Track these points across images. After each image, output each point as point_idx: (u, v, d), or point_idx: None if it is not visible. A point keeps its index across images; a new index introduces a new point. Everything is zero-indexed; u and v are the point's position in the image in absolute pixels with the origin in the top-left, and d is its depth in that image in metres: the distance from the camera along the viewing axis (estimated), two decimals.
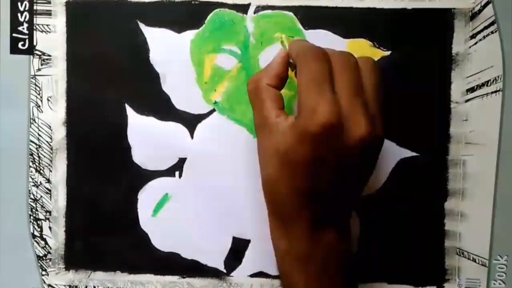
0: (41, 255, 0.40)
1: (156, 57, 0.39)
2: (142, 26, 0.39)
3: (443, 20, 0.38)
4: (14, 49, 0.39)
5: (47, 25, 0.39)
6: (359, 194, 0.34)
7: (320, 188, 0.30)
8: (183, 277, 0.40)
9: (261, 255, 0.39)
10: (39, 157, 0.39)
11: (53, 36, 0.39)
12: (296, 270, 0.32)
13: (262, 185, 0.33)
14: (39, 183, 0.40)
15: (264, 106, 0.31)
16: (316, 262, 0.31)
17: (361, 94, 0.30)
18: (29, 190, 0.40)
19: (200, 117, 0.39)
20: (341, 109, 0.29)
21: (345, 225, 0.34)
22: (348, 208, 0.34)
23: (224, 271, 0.40)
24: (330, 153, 0.29)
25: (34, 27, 0.39)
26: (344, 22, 0.38)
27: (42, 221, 0.40)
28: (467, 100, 0.38)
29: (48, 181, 0.40)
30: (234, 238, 0.39)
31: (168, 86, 0.39)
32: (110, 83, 0.39)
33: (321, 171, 0.30)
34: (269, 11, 0.38)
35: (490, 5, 0.38)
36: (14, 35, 0.39)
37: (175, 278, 0.40)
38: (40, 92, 0.39)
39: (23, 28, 0.39)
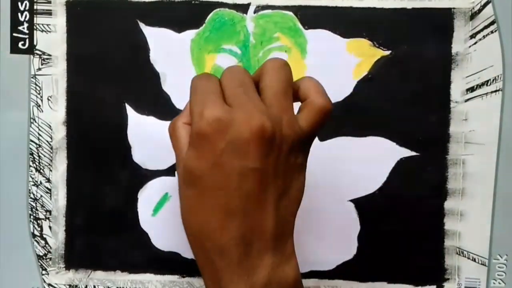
0: (41, 254, 0.40)
1: (156, 57, 0.39)
2: (142, 25, 0.39)
3: (443, 19, 0.38)
4: (14, 49, 0.39)
5: (47, 25, 0.39)
6: (293, 207, 0.29)
7: (235, 198, 0.27)
8: (183, 277, 0.40)
9: None
10: (39, 156, 0.40)
11: (53, 35, 0.39)
12: None
13: (188, 238, 0.29)
14: (39, 182, 0.40)
15: (179, 142, 0.29)
16: None
17: (252, 94, 0.28)
18: (29, 190, 0.40)
19: None
20: (230, 109, 0.27)
21: (286, 249, 0.28)
22: (285, 225, 0.28)
23: None
24: (227, 154, 0.26)
25: (34, 27, 0.39)
26: (344, 22, 0.38)
27: (42, 220, 0.40)
28: (467, 100, 0.38)
29: (48, 180, 0.40)
30: None
31: (168, 85, 0.39)
32: (110, 83, 0.39)
33: (227, 179, 0.26)
34: (269, 11, 0.38)
35: (490, 4, 0.38)
36: (14, 34, 0.39)
37: (175, 278, 0.40)
38: (40, 91, 0.39)
39: (23, 28, 0.39)
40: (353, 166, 0.39)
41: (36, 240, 0.40)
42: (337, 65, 0.38)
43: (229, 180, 0.26)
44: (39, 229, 0.40)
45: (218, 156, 0.26)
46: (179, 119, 0.30)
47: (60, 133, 0.39)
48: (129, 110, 0.39)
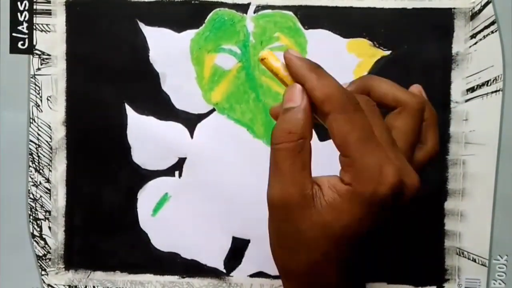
0: (40, 255, 0.40)
1: (156, 57, 0.39)
2: (142, 25, 0.39)
3: (443, 20, 0.38)
4: (13, 49, 0.39)
5: (47, 25, 0.39)
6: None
7: (361, 256, 0.26)
8: (183, 277, 0.40)
9: (261, 255, 0.39)
10: (38, 156, 0.39)
11: (53, 35, 0.39)
12: None
13: (286, 272, 0.27)
14: (38, 182, 0.40)
15: (303, 172, 0.25)
16: None
17: (395, 142, 0.26)
18: (29, 190, 0.40)
19: (200, 117, 0.39)
20: (399, 165, 0.25)
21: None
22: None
23: (224, 271, 0.39)
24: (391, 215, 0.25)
25: (34, 27, 0.39)
26: (344, 22, 0.38)
27: (42, 221, 0.40)
28: (467, 100, 0.38)
29: (48, 180, 0.40)
30: (234, 238, 0.39)
31: (168, 85, 0.39)
32: (110, 83, 0.39)
33: (368, 239, 0.25)
34: (269, 11, 0.38)
35: (490, 5, 0.38)
36: (14, 34, 0.39)
37: (174, 278, 0.40)
38: (40, 91, 0.39)
39: (23, 28, 0.39)
40: None
41: (35, 241, 0.40)
42: (337, 65, 0.38)
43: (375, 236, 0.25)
44: (38, 229, 0.40)
45: (384, 217, 0.25)
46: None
47: (59, 133, 0.39)
48: (129, 110, 0.39)
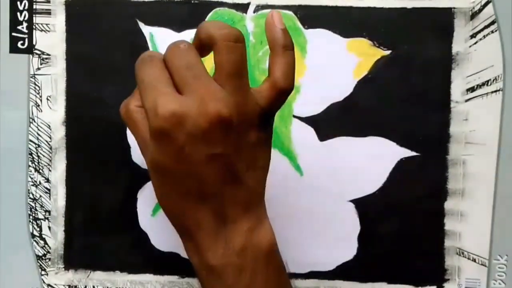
0: (40, 254, 0.40)
1: None
2: (141, 25, 0.39)
3: (443, 19, 0.38)
4: (13, 48, 0.39)
5: (46, 24, 0.39)
6: (261, 176, 0.30)
7: (205, 183, 0.28)
8: (183, 277, 0.40)
9: None
10: (38, 156, 0.39)
11: (52, 35, 0.39)
12: (212, 284, 0.29)
13: (167, 216, 0.30)
14: (38, 182, 0.40)
15: (137, 126, 0.29)
16: (232, 270, 0.29)
17: (203, 76, 0.27)
18: (29, 190, 0.40)
19: None
20: (182, 98, 0.27)
21: (259, 213, 0.30)
22: (256, 193, 0.30)
23: None
24: (189, 145, 0.27)
25: (34, 26, 0.39)
26: (344, 21, 0.38)
27: (42, 220, 0.40)
28: (467, 100, 0.38)
29: (48, 180, 0.40)
30: None
31: None
32: (109, 83, 0.39)
33: (193, 167, 0.27)
34: (269, 10, 0.38)
35: (490, 4, 0.38)
36: (13, 34, 0.39)
37: (174, 278, 0.40)
38: (40, 91, 0.39)
39: (23, 27, 0.39)
40: (353, 167, 0.39)
41: (35, 241, 0.40)
42: (337, 64, 0.38)
43: (195, 168, 0.27)
44: (38, 229, 0.40)
45: (181, 148, 0.27)
46: (131, 102, 0.30)
47: (59, 133, 0.39)
48: None
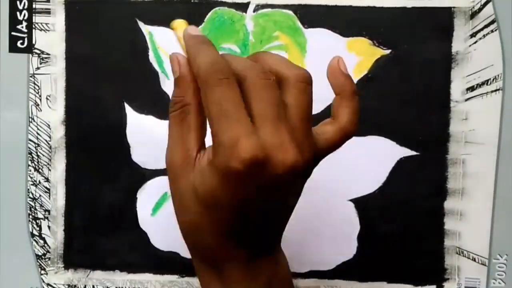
0: (40, 254, 0.40)
1: (156, 56, 0.39)
2: (141, 24, 0.39)
3: (443, 18, 0.38)
4: (13, 48, 0.39)
5: (46, 24, 0.39)
6: (288, 218, 0.30)
7: (250, 226, 0.27)
8: (182, 277, 0.40)
9: None
10: (38, 156, 0.39)
11: (52, 34, 0.39)
12: None
13: (180, 230, 0.28)
14: (38, 182, 0.40)
15: (188, 135, 0.27)
16: None
17: (283, 117, 0.25)
18: (28, 189, 0.40)
19: None
20: (263, 139, 0.24)
21: (279, 252, 0.30)
22: (279, 234, 0.30)
23: None
24: (257, 190, 0.25)
25: (33, 26, 0.39)
26: (344, 21, 0.38)
27: (41, 220, 0.40)
28: (467, 99, 0.38)
29: (47, 180, 0.40)
30: None
31: (167, 85, 0.39)
32: (109, 82, 0.39)
33: (249, 210, 0.26)
34: (268, 10, 0.38)
35: (490, 4, 0.37)
36: (13, 33, 0.39)
37: (174, 278, 0.40)
38: (39, 90, 0.39)
39: (22, 27, 0.39)
40: (353, 166, 0.39)
41: (35, 240, 0.40)
42: None
43: (254, 212, 0.26)
44: (38, 228, 0.40)
45: (250, 191, 0.25)
46: (181, 150, 0.27)
47: (59, 132, 0.39)
48: (128, 109, 0.39)
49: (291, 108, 0.26)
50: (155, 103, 0.39)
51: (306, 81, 0.27)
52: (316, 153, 0.27)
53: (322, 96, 0.39)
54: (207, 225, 0.27)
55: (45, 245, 0.40)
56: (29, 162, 0.40)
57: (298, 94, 0.26)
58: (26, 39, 0.39)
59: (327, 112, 0.39)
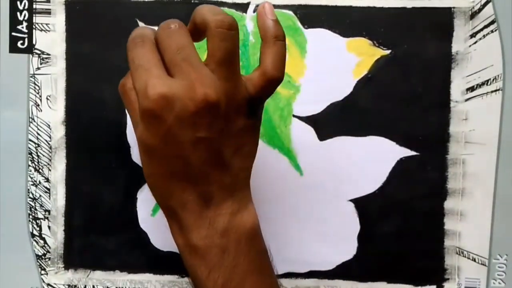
0: (40, 254, 0.40)
1: None
2: (141, 25, 0.39)
3: (443, 19, 0.38)
4: (13, 48, 0.39)
5: (46, 24, 0.39)
6: (247, 163, 0.31)
7: (191, 165, 0.28)
8: (182, 277, 0.40)
9: None
10: (38, 156, 0.39)
11: (52, 35, 0.39)
12: (196, 264, 0.30)
13: (153, 195, 0.31)
14: (38, 182, 0.40)
15: (132, 107, 0.30)
16: (215, 251, 0.29)
17: (195, 61, 0.28)
18: (28, 189, 0.40)
19: None
20: (172, 81, 0.27)
21: (244, 197, 0.31)
22: (241, 178, 0.31)
23: None
24: (177, 127, 0.27)
25: (34, 26, 0.39)
26: (344, 21, 0.38)
27: (41, 220, 0.40)
28: (467, 99, 0.38)
29: (47, 180, 0.40)
30: None
31: None
32: (109, 82, 0.39)
33: (180, 148, 0.28)
34: None
35: (490, 4, 0.38)
36: (13, 34, 0.39)
37: (174, 278, 0.40)
38: (39, 91, 0.39)
39: (23, 27, 0.39)
40: (353, 166, 0.39)
41: (35, 240, 0.40)
42: (336, 64, 0.38)
43: (182, 150, 0.28)
44: (38, 228, 0.40)
45: (168, 129, 0.27)
46: (128, 81, 0.30)
47: (59, 132, 0.39)
48: None
49: (209, 52, 0.28)
50: None
51: (226, 26, 0.28)
52: (245, 97, 0.29)
53: (322, 96, 0.39)
54: (154, 171, 0.29)
55: (45, 245, 0.40)
56: (29, 162, 0.40)
57: (216, 39, 0.28)
58: (26, 40, 0.39)
59: (327, 112, 0.39)
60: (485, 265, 0.39)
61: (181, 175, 0.29)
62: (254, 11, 0.38)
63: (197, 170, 0.29)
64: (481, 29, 0.38)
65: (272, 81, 0.30)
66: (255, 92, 0.30)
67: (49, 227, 0.40)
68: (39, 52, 0.39)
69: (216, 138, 0.28)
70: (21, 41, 0.39)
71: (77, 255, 0.40)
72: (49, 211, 0.40)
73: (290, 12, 0.38)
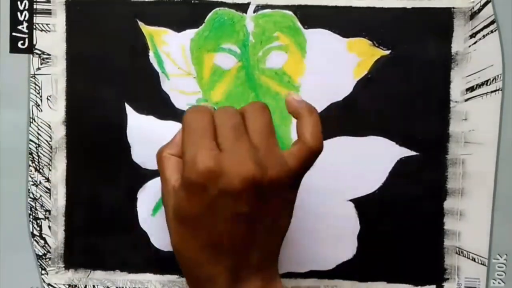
0: (40, 254, 0.40)
1: (156, 57, 0.39)
2: (141, 25, 0.39)
3: (442, 19, 0.38)
4: (13, 48, 0.39)
5: (46, 24, 0.39)
6: (279, 239, 0.32)
7: (225, 239, 0.29)
8: (183, 277, 0.40)
9: None
10: (38, 156, 0.39)
11: (53, 35, 0.39)
12: None
13: (175, 255, 0.31)
14: (38, 182, 0.40)
15: (165, 174, 0.31)
16: None
17: (244, 138, 0.29)
18: (29, 189, 0.40)
19: None
20: (221, 155, 0.28)
21: (271, 273, 0.31)
22: (270, 254, 0.31)
23: None
24: (219, 200, 0.28)
25: (34, 26, 0.39)
26: (344, 21, 0.38)
27: (42, 220, 0.40)
28: (466, 99, 0.38)
29: (48, 180, 0.40)
30: None
31: (167, 85, 0.39)
32: (109, 82, 0.39)
33: (218, 221, 0.28)
34: (268, 10, 0.38)
35: (490, 4, 0.38)
36: (13, 34, 0.39)
37: (174, 278, 0.40)
38: (40, 91, 0.39)
39: (23, 27, 0.39)
40: (353, 166, 0.39)
41: (35, 240, 0.40)
42: (336, 64, 0.38)
43: (220, 223, 0.28)
44: (38, 228, 0.40)
45: (210, 201, 0.28)
46: (166, 149, 0.32)
47: (59, 132, 0.39)
48: (129, 109, 0.39)
49: (250, 129, 0.30)
50: (155, 104, 0.39)
51: (261, 106, 0.30)
52: (288, 170, 0.30)
53: (322, 96, 0.39)
54: (185, 240, 0.30)
55: (46, 245, 0.40)
56: (30, 163, 0.40)
57: (255, 117, 0.30)
58: (26, 40, 0.39)
59: (327, 112, 0.39)
60: (485, 265, 0.39)
61: (213, 248, 0.29)
62: (254, 12, 0.38)
63: (231, 244, 0.29)
64: (481, 29, 0.38)
65: (313, 151, 0.31)
66: (296, 165, 0.30)
67: (49, 227, 0.40)
68: (39, 52, 0.39)
69: (255, 215, 0.29)
70: (22, 41, 0.39)
71: (78, 255, 0.40)
72: (49, 211, 0.40)
73: (290, 12, 0.38)
